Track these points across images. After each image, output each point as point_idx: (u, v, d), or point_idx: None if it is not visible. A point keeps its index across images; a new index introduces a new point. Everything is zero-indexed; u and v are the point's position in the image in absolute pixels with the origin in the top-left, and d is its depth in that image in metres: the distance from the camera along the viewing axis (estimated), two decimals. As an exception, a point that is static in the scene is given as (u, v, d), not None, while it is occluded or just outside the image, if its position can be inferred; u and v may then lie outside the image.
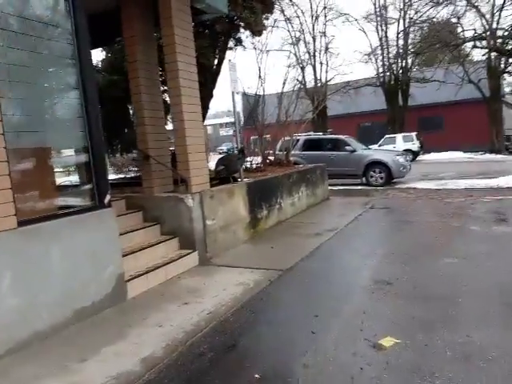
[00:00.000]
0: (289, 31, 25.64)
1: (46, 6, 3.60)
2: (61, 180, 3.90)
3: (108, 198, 3.72)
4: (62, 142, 3.72)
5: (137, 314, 3.56)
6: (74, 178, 4.07)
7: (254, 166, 8.10)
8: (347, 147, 12.54)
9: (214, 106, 33.43)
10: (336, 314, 3.29)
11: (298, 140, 13.19)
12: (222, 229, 5.32)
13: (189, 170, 4.82)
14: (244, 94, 10.38)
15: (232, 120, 9.49)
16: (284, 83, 9.59)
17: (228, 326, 3.18)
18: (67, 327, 3.32)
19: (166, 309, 3.60)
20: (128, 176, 8.81)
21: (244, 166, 6.08)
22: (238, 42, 8.39)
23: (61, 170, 3.89)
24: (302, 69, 26.61)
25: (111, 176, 8.72)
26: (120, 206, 5.20)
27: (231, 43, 8.55)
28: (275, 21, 15.82)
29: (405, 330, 2.91)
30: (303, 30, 26.44)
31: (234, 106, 6.13)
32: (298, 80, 26.00)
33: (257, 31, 7.31)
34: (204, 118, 9.14)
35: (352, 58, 45.48)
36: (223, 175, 5.86)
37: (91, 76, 3.76)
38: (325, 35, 26.97)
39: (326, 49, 27.09)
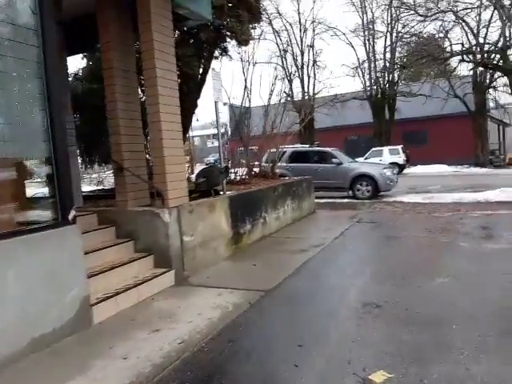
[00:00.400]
0: (277, 44, 25.81)
1: (8, 4, 3.30)
2: (20, 194, 3.56)
3: (73, 213, 3.38)
4: (22, 153, 3.38)
5: (102, 342, 3.21)
6: (36, 192, 3.73)
7: (238, 177, 7.82)
8: (334, 160, 12.40)
9: (202, 117, 33.16)
10: (322, 342, 3.00)
11: (284, 152, 13.03)
12: (201, 245, 5.01)
13: (166, 182, 4.52)
14: (230, 106, 10.17)
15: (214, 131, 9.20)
16: (271, 95, 9.40)
17: (202, 357, 2.86)
18: (25, 357, 2.95)
19: (134, 336, 3.25)
20: (106, 188, 8.43)
21: (227, 179, 5.78)
22: (224, 51, 8.18)
23: (20, 183, 3.54)
24: (290, 81, 26.77)
25: (88, 188, 8.36)
26: (91, 220, 4.87)
27: (217, 52, 8.35)
28: (262, 32, 15.78)
29: (397, 362, 2.63)
30: (291, 43, 26.63)
31: (217, 116, 5.87)
32: (285, 92, 26.16)
33: (243, 40, 7.10)
34: (187, 128, 8.89)
35: (339, 72, 45.97)
36: (204, 188, 5.57)
37: (58, 83, 3.45)
38: (313, 48, 27.25)
39: (314, 62, 27.33)
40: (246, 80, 8.80)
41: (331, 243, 6.13)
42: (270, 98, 9.27)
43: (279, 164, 12.55)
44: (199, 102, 8.52)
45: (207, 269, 5.01)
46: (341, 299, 3.83)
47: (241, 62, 8.77)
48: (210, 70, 5.78)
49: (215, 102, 5.81)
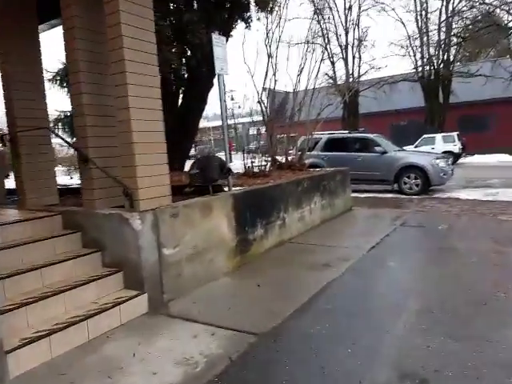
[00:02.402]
0: (318, 21, 23.94)
1: None
2: None
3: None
4: None
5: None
6: None
7: (257, 169, 6.60)
8: (377, 148, 10.82)
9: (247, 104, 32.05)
10: None
11: (319, 139, 11.64)
12: (190, 259, 3.89)
13: (135, 178, 3.41)
14: (269, 90, 9.02)
15: (260, 118, 8.12)
16: (298, 75, 7.99)
17: None
18: None
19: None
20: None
21: (231, 175, 4.60)
22: (244, 19, 6.91)
23: None
24: (332, 63, 24.89)
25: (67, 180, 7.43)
26: (54, 224, 3.90)
27: (239, 21, 7.07)
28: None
29: None
30: (334, 21, 24.64)
31: (221, 92, 4.66)
32: (327, 75, 24.42)
33: (261, 2, 5.80)
34: (202, 111, 7.78)
35: (387, 51, 42.47)
36: (198, 183, 4.42)
37: None
38: (358, 26, 25.07)
39: (360, 41, 25.16)
40: (269, 56, 7.49)
41: (365, 256, 4.79)
42: (298, 79, 7.88)
43: (313, 152, 11.22)
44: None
45: (198, 289, 3.89)
46: (366, 363, 2.54)
47: (266, 36, 7.45)
48: (216, 36, 4.54)
49: (218, 76, 4.60)
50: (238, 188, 5.06)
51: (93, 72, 3.67)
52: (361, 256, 4.77)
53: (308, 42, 8.20)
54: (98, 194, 3.72)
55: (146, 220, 3.45)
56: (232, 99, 30.67)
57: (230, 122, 7.23)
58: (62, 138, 3.84)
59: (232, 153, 21.02)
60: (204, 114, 7.09)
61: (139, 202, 3.43)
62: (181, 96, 7.30)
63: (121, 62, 3.36)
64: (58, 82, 7.11)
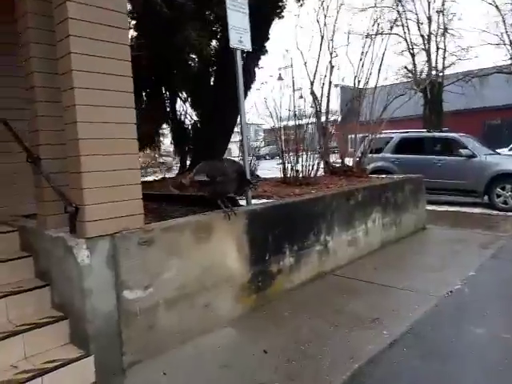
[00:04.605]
0: (398, 11, 21.66)
1: None
2: None
3: None
4: None
5: None
6: None
7: (301, 174, 5.26)
8: (463, 150, 8.80)
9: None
10: None
11: (390, 138, 9.92)
12: (172, 304, 2.75)
13: (81, 189, 2.34)
14: (342, 87, 7.75)
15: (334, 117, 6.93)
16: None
17: None
18: None
19: None
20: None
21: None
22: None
23: None
24: (413, 55, 22.34)
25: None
26: (11, 244, 3.00)
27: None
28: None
29: None
30: (415, 8, 22.09)
31: (238, 76, 3.45)
32: (406, 68, 22.01)
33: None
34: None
35: (478, 41, 37.54)
36: (206, 194, 3.24)
37: None
38: (443, 14, 22.21)
39: (445, 30, 22.28)
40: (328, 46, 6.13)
41: (439, 306, 3.28)
42: (356, 70, 6.36)
43: (382, 155, 9.56)
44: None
45: (182, 346, 2.74)
46: None
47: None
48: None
49: (234, 49, 3.41)
50: (261, 201, 3.83)
51: (44, 43, 2.67)
52: (432, 307, 3.27)
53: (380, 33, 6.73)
54: (51, 208, 2.72)
55: (96, 250, 2.38)
56: (301, 97, 29.40)
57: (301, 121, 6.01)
58: (14, 132, 2.90)
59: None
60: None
61: (86, 224, 2.35)
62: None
63: (65, 21, 2.31)
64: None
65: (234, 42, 3.37)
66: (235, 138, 8.38)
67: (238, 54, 3.44)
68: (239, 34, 3.39)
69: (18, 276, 2.80)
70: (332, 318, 3.16)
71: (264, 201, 3.93)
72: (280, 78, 7.44)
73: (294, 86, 5.81)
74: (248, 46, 3.49)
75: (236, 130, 7.28)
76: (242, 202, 3.68)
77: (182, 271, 2.80)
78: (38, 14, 2.65)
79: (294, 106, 5.81)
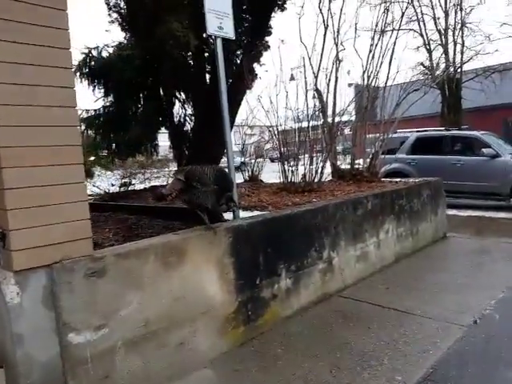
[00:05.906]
0: (413, 6, 20.84)
1: None
2: None
3: None
4: None
5: None
6: None
7: (301, 180, 4.72)
8: (486, 150, 8.13)
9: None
10: None
11: (406, 138, 9.30)
12: (134, 345, 2.25)
13: (5, 210, 1.87)
14: (356, 85, 7.22)
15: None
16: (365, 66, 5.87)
17: None
18: None
19: None
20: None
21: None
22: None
23: None
24: (429, 51, 21.46)
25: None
26: None
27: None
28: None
29: None
30: (432, 3, 21.23)
31: (220, 68, 2.94)
32: (422, 64, 21.15)
33: None
34: (238, 102, 6.03)
35: (497, 34, 36.03)
36: (182, 203, 2.72)
37: None
38: (461, 7, 21.27)
39: (462, 24, 21.34)
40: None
41: (465, 340, 2.70)
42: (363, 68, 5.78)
43: (397, 155, 8.93)
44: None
45: (147, 396, 2.25)
46: None
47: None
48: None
49: (213, 37, 2.90)
50: (251, 215, 3.31)
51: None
52: (455, 342, 2.69)
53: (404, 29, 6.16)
54: None
55: (28, 286, 1.91)
56: (314, 97, 28.73)
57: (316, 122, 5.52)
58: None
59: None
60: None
61: (12, 253, 1.88)
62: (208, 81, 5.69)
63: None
64: (79, 74, 6.06)
65: (212, 29, 2.87)
66: (239, 140, 7.88)
67: (219, 42, 2.92)
68: (219, 19, 2.88)
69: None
70: (334, 357, 2.61)
71: (257, 213, 3.42)
72: (292, 79, 6.88)
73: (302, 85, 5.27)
74: (230, 34, 2.98)
75: (235, 130, 6.77)
76: (229, 216, 3.16)
77: (146, 305, 2.30)
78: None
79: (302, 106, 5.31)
